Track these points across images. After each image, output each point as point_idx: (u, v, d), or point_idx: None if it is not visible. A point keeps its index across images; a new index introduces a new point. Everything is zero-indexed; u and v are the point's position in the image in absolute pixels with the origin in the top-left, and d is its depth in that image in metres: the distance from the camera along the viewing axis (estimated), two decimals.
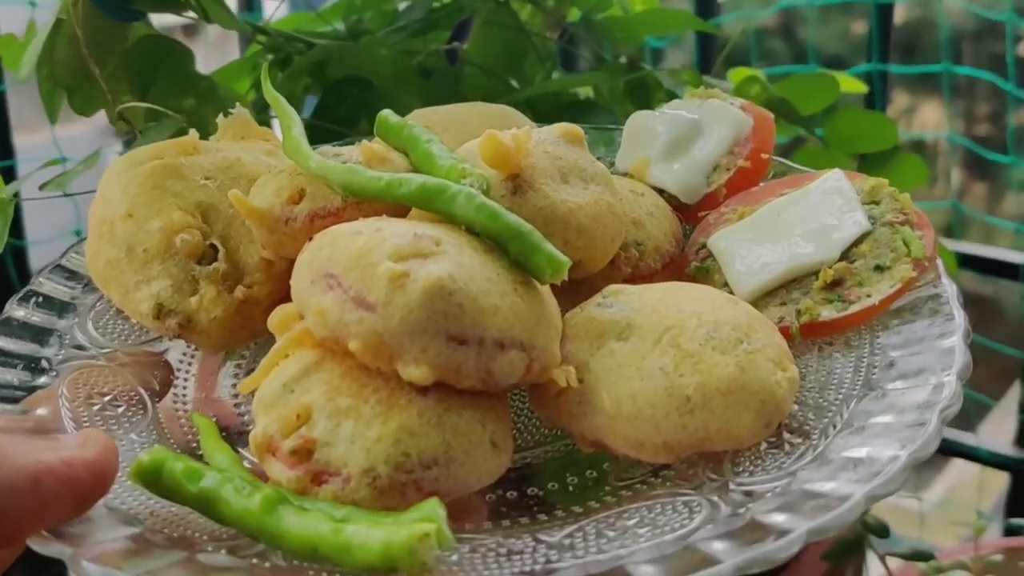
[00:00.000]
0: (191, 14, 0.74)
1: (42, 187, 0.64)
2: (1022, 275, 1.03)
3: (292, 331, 0.44)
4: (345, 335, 0.41)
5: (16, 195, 0.63)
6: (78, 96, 0.72)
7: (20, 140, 1.11)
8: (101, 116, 0.78)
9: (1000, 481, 1.19)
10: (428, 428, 0.40)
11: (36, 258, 1.13)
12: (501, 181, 0.49)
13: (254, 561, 0.38)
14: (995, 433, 1.19)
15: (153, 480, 0.40)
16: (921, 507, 1.26)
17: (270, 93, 0.56)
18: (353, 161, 0.51)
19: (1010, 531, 1.13)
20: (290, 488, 0.40)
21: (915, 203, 0.53)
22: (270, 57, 0.83)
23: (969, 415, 1.15)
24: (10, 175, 1.07)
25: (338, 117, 0.81)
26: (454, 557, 0.39)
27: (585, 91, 0.88)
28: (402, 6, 0.90)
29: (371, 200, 0.49)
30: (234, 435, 0.50)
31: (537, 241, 0.44)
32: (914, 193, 0.55)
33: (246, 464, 0.44)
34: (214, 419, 0.48)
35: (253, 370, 0.46)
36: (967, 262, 1.05)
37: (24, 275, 1.09)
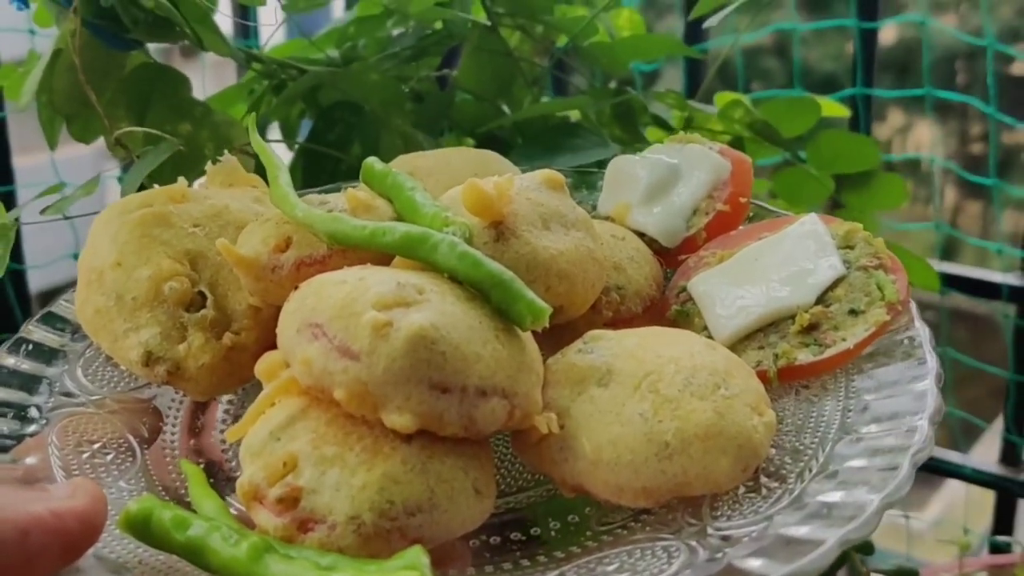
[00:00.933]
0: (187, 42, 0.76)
1: (43, 212, 0.65)
2: (1004, 294, 1.04)
3: (279, 379, 0.45)
4: (330, 384, 0.41)
5: (17, 220, 0.64)
6: (76, 123, 0.74)
7: (19, 162, 1.12)
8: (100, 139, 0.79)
9: (981, 501, 1.21)
10: (412, 476, 0.41)
11: (35, 281, 1.14)
12: (484, 228, 0.50)
13: None
14: (986, 454, 1.19)
15: (141, 529, 0.41)
16: (910, 526, 1.27)
17: (257, 143, 0.57)
18: (339, 209, 0.52)
19: (995, 548, 1.14)
20: (277, 535, 0.41)
21: (904, 223, 0.55)
22: (265, 83, 0.84)
23: (959, 436, 1.16)
24: (10, 200, 1.09)
25: (331, 141, 0.82)
26: None
27: (572, 114, 0.90)
28: (394, 33, 0.91)
29: (356, 248, 0.50)
30: (222, 480, 0.51)
31: (518, 289, 0.45)
32: (905, 212, 0.56)
33: (233, 511, 0.45)
34: (202, 464, 0.48)
35: (240, 416, 0.46)
36: (954, 283, 1.07)
37: (23, 298, 1.10)
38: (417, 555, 0.38)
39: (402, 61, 0.89)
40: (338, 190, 0.61)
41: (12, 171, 1.10)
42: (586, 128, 0.85)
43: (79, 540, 0.40)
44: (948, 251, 1.18)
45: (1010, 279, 1.06)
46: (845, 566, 0.80)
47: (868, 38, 1.06)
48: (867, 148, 0.88)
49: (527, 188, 0.53)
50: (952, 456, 1.12)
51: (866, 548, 0.79)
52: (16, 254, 1.12)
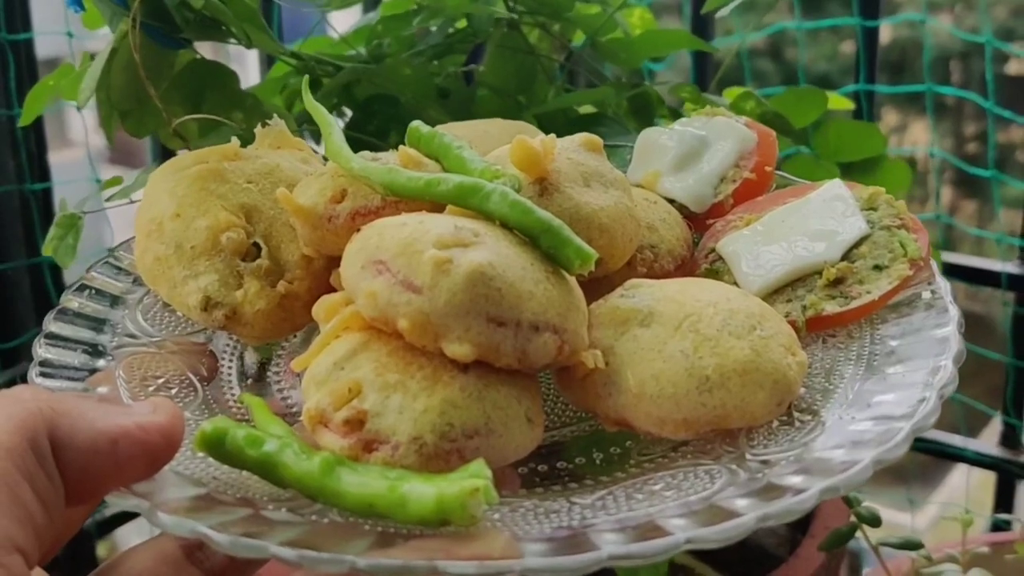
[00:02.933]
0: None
1: (108, 199, 0.68)
2: (1004, 282, 1.08)
3: (342, 314, 0.48)
4: (394, 315, 0.44)
5: (84, 212, 0.67)
6: (131, 119, 0.77)
7: None
8: (96, 142, 0.82)
9: (982, 482, 1.25)
10: (470, 401, 0.44)
11: (68, 275, 1.17)
12: (529, 184, 0.53)
13: (313, 518, 0.41)
14: (980, 437, 1.24)
15: (216, 447, 0.44)
16: (914, 522, 1.30)
17: (311, 103, 0.59)
18: (391, 163, 0.55)
19: (996, 527, 1.18)
20: (343, 455, 0.43)
21: None
22: (305, 77, 0.88)
23: (962, 427, 1.20)
24: (48, 197, 1.13)
25: (370, 132, 0.86)
26: (496, 516, 0.42)
27: (586, 108, 0.93)
28: (420, 30, 0.94)
29: (410, 199, 0.52)
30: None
31: (567, 235, 0.48)
32: (909, 208, 0.59)
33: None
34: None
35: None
36: (955, 272, 1.11)
37: (59, 288, 1.13)
38: (481, 467, 0.40)
39: (428, 58, 0.93)
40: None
41: (48, 168, 1.14)
42: (611, 118, 0.88)
43: (161, 452, 0.42)
44: (947, 246, 1.22)
45: (1009, 267, 1.10)
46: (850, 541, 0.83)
47: (870, 36, 1.10)
48: (872, 136, 0.91)
49: (568, 149, 0.56)
50: (955, 440, 1.16)
51: (874, 520, 0.82)
52: None
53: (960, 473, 1.27)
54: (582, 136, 0.57)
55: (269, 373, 0.59)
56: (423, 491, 0.40)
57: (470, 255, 0.45)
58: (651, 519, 0.40)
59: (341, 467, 0.42)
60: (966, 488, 1.24)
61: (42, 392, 0.42)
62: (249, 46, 0.78)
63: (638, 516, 0.41)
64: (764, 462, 0.44)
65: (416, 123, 0.60)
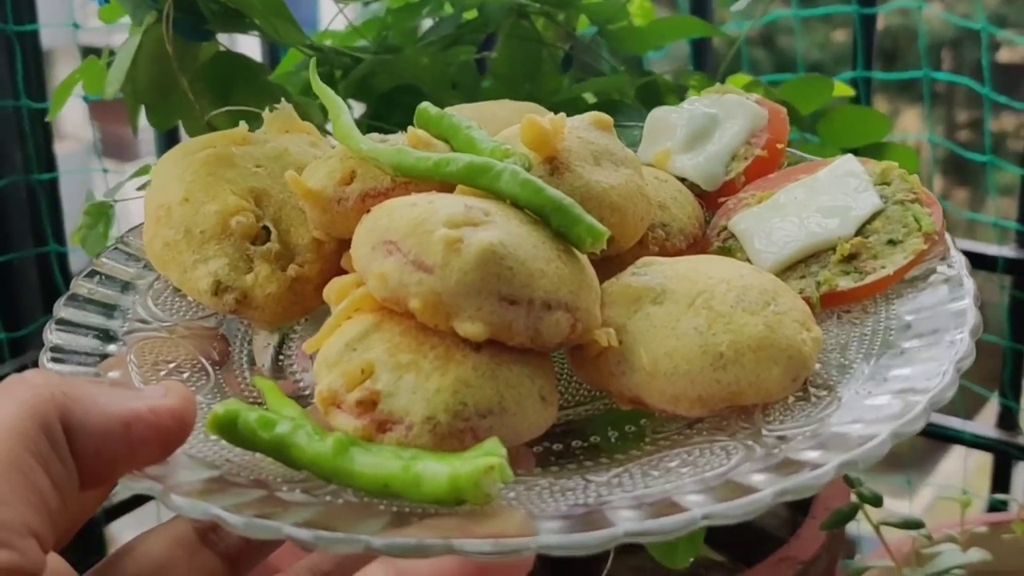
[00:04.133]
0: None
1: (139, 188, 0.69)
2: (1000, 266, 1.09)
3: (353, 295, 0.47)
4: (405, 295, 0.44)
5: (115, 201, 0.67)
6: (156, 111, 0.77)
7: None
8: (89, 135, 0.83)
9: (979, 463, 1.26)
10: (483, 380, 0.44)
11: (75, 265, 1.18)
12: (539, 163, 0.52)
13: (328, 498, 0.41)
14: (978, 419, 1.24)
15: (228, 429, 0.43)
16: (911, 508, 1.31)
17: (318, 86, 0.59)
18: (400, 145, 0.55)
19: (993, 507, 1.20)
20: (356, 436, 0.43)
21: None
22: (312, 59, 0.88)
23: (959, 410, 1.20)
24: (54, 187, 1.13)
25: (393, 123, 0.86)
26: (511, 494, 0.42)
27: (591, 99, 0.92)
28: (427, 23, 0.94)
29: (419, 179, 0.52)
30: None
31: (578, 213, 0.47)
32: None
33: None
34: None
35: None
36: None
37: (67, 278, 1.14)
38: (495, 445, 0.40)
39: (439, 49, 0.93)
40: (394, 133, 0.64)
41: (55, 159, 1.15)
42: (626, 104, 0.88)
43: (174, 435, 0.42)
44: None
45: (1006, 251, 1.10)
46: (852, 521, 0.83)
47: (867, 23, 1.10)
48: (876, 121, 0.91)
49: (577, 128, 0.55)
50: (953, 422, 1.17)
51: (875, 500, 0.81)
52: (60, 238, 1.16)
53: (953, 460, 1.29)
54: (592, 115, 0.57)
55: (281, 356, 0.59)
56: (437, 470, 0.39)
57: (481, 234, 0.44)
58: (667, 496, 0.39)
59: (354, 447, 0.41)
60: (963, 471, 1.25)
61: (53, 376, 0.42)
62: (276, 38, 0.78)
63: (654, 493, 0.40)
64: (781, 437, 0.44)
65: (425, 104, 0.59)
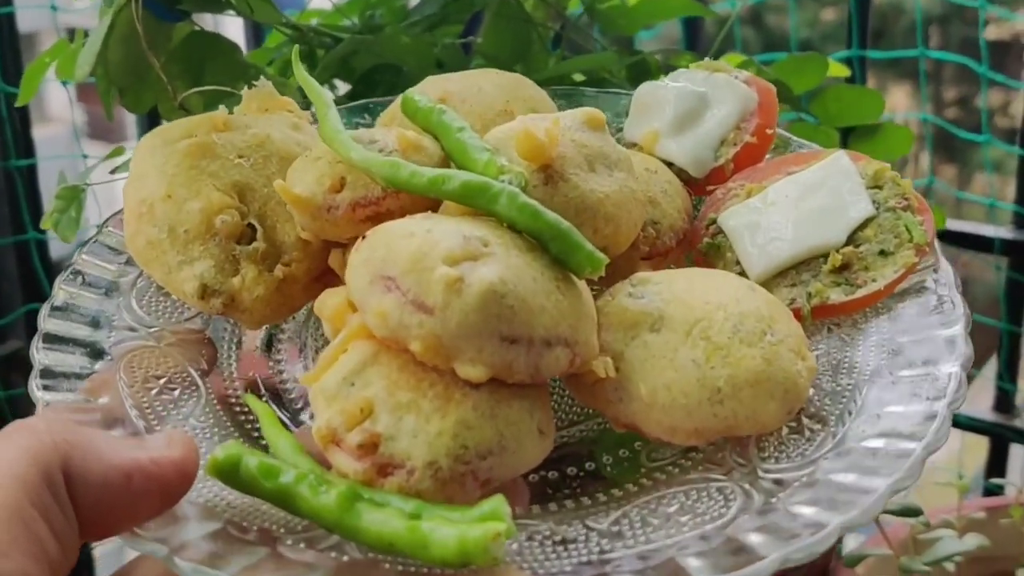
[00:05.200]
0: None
1: (113, 171, 0.67)
2: (997, 247, 1.09)
3: (349, 327, 0.47)
4: (406, 337, 0.44)
5: (87, 184, 0.65)
6: (129, 94, 0.75)
7: None
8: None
9: (975, 446, 1.27)
10: (483, 421, 0.44)
11: (55, 252, 1.16)
12: (533, 172, 0.51)
13: (332, 555, 0.42)
14: (974, 402, 1.26)
15: (229, 475, 0.43)
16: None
17: (303, 77, 0.57)
18: (389, 147, 0.54)
19: (989, 491, 1.20)
20: (357, 479, 0.43)
21: None
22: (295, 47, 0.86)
23: None
24: (32, 173, 1.10)
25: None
26: (514, 546, 0.42)
27: (576, 77, 0.91)
28: (413, 2, 0.92)
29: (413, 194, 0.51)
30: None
31: (576, 240, 0.47)
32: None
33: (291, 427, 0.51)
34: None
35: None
36: (949, 237, 1.12)
37: (47, 266, 1.12)
38: (499, 504, 0.40)
39: (425, 29, 0.90)
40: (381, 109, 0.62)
41: (33, 144, 1.11)
42: (613, 83, 0.86)
43: (175, 488, 0.42)
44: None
45: (1002, 232, 1.11)
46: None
47: (862, 2, 1.08)
48: (871, 100, 0.90)
49: (570, 129, 0.54)
50: None
51: None
52: (39, 224, 1.14)
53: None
54: (584, 112, 0.56)
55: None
56: (445, 534, 0.40)
57: (480, 271, 0.44)
58: (672, 559, 0.40)
59: (359, 503, 0.42)
60: (959, 453, 1.26)
61: (56, 423, 0.41)
62: (252, 17, 0.75)
63: (657, 549, 0.41)
64: (777, 482, 0.44)
65: (412, 93, 0.58)
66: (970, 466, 1.30)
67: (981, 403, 1.23)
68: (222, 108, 0.59)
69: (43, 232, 1.13)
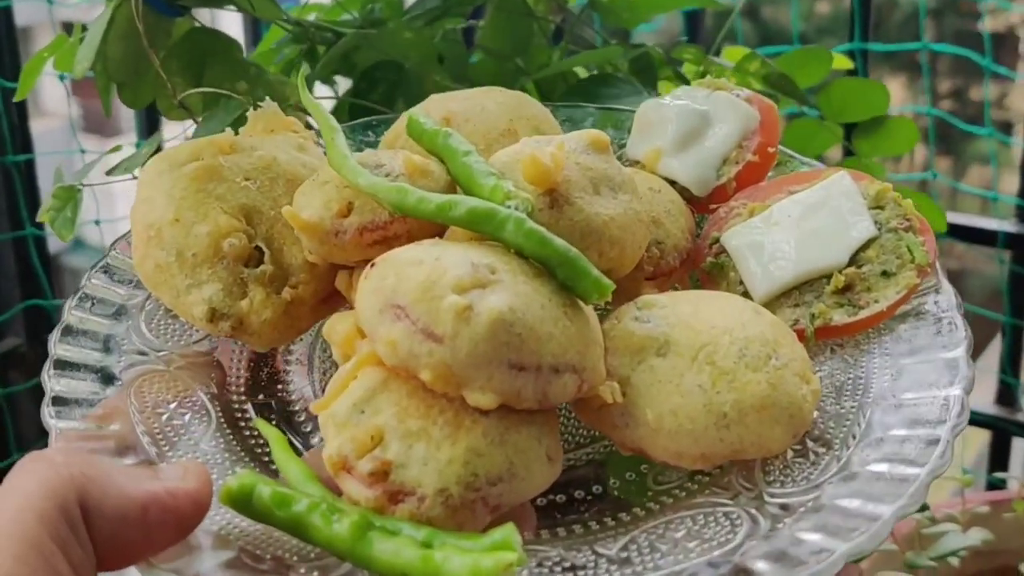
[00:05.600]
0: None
1: (109, 172, 0.67)
2: (1000, 241, 1.09)
3: (360, 354, 0.47)
4: (415, 365, 0.44)
5: (83, 184, 0.66)
6: (127, 90, 0.75)
7: None
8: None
9: (978, 439, 1.27)
10: (493, 448, 0.44)
11: (54, 244, 1.16)
12: (538, 195, 0.52)
13: None
14: (975, 394, 1.26)
15: (243, 504, 0.44)
16: None
17: (309, 102, 0.58)
18: (395, 172, 0.54)
19: (992, 485, 1.21)
20: (368, 507, 0.44)
21: (893, 175, 0.58)
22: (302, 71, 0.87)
23: None
24: (30, 168, 1.10)
25: (374, 100, 0.84)
26: (524, 573, 0.43)
27: (581, 71, 0.91)
28: None
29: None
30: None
31: (584, 266, 0.47)
32: (892, 166, 0.59)
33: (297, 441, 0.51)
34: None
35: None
36: (952, 231, 1.11)
37: (45, 263, 1.12)
38: (510, 534, 0.41)
39: (425, 22, 0.90)
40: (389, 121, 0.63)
41: (31, 139, 1.11)
42: (619, 78, 0.86)
43: (190, 519, 0.43)
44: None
45: (1006, 226, 1.11)
46: None
47: None
48: (876, 94, 0.90)
49: (575, 152, 0.55)
50: None
51: None
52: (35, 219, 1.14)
53: None
54: (589, 135, 0.56)
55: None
56: (458, 564, 0.40)
57: (489, 299, 0.44)
58: None
59: (371, 532, 0.42)
60: (960, 448, 1.26)
61: (73, 455, 0.42)
62: (253, 12, 0.75)
63: None
64: (783, 507, 0.45)
65: (416, 115, 0.58)
66: (969, 455, 1.30)
67: (983, 396, 1.23)
68: (228, 130, 0.60)
69: (41, 228, 1.13)
